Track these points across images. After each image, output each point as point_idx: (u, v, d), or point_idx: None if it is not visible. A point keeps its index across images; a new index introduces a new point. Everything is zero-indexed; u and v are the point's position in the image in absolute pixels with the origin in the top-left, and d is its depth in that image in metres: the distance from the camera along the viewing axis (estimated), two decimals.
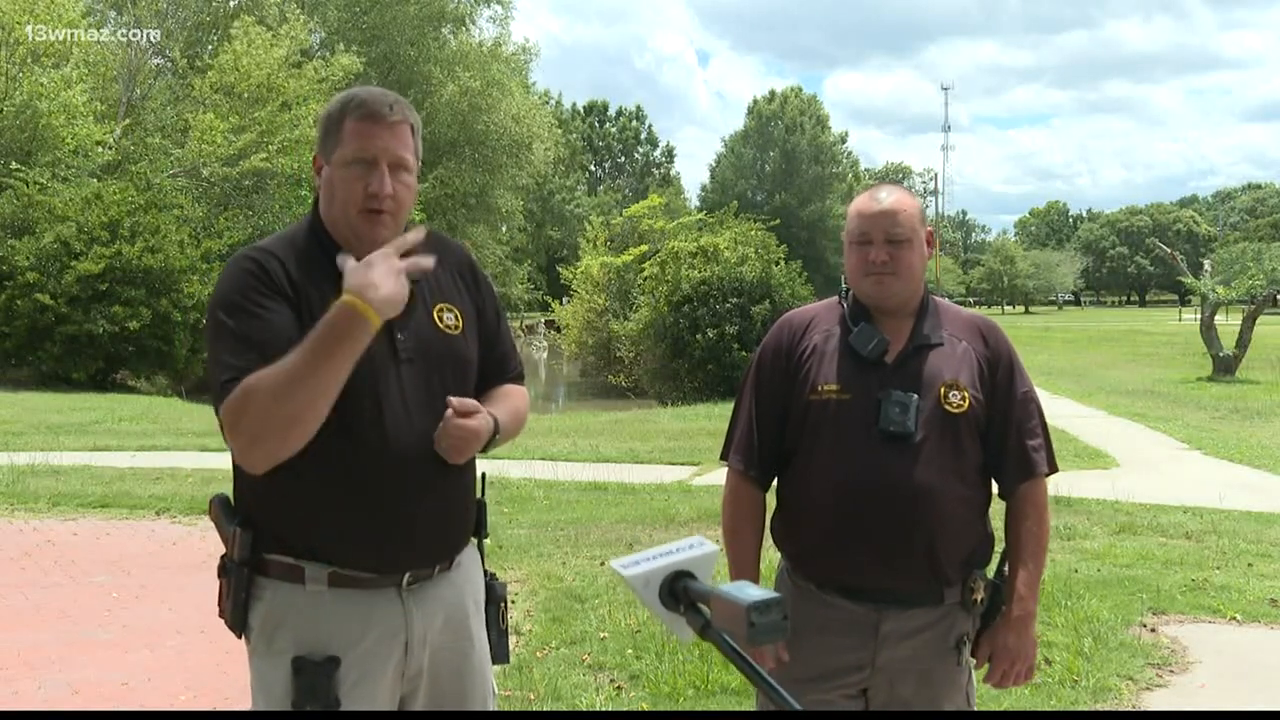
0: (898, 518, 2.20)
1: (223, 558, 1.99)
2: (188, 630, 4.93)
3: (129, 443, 11.20)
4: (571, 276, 28.65)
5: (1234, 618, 5.14)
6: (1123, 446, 11.15)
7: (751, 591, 1.17)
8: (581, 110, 74.31)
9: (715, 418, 13.70)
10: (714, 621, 1.21)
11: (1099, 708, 4.06)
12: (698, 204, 66.82)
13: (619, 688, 4.20)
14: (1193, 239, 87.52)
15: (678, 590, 1.27)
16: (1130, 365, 23.27)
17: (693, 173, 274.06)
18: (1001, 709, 3.81)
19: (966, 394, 2.26)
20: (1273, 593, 5.51)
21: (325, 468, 1.85)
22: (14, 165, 20.40)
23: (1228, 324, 22.25)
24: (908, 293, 2.31)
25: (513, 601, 5.05)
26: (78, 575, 5.92)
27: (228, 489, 2.03)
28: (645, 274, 22.21)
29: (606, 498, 8.30)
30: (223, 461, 2.21)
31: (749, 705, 3.84)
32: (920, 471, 2.20)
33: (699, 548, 1.31)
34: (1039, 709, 4.00)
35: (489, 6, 38.61)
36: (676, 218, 28.72)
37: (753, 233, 21.99)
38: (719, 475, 6.50)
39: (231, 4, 31.99)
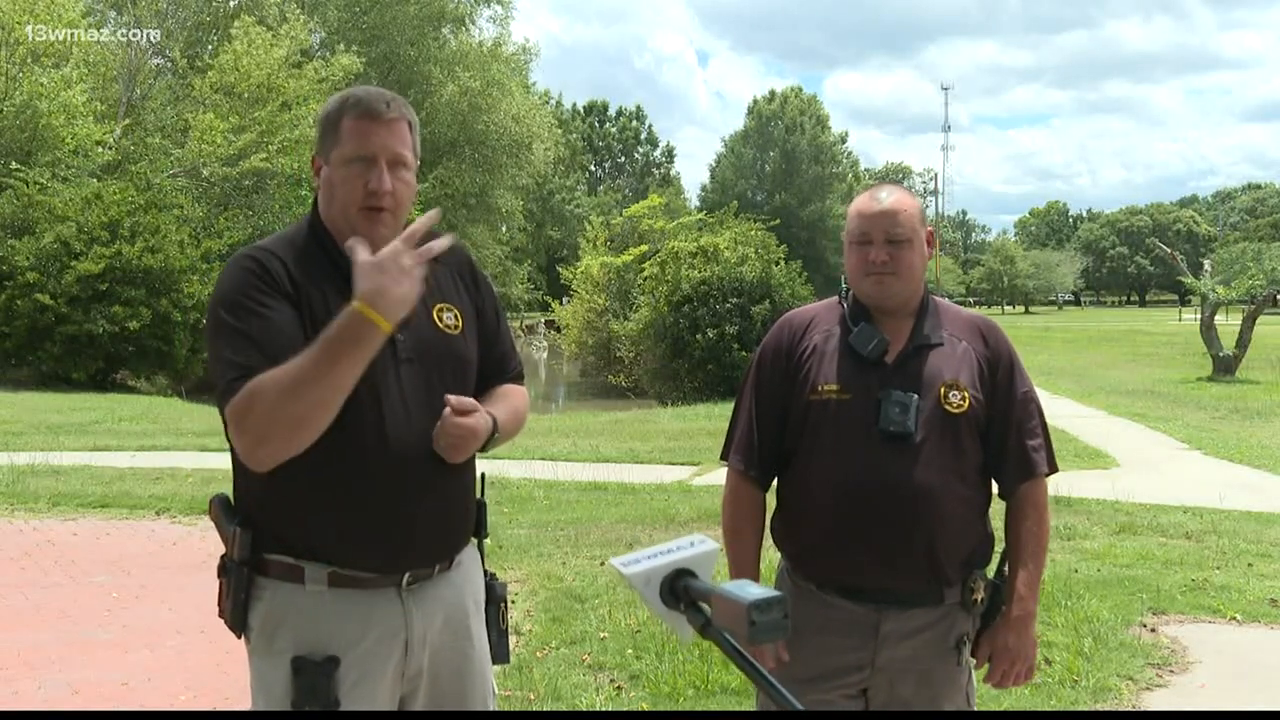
0: (898, 518, 2.20)
1: (223, 557, 1.99)
2: (188, 630, 4.93)
3: (129, 443, 11.20)
4: (571, 276, 28.66)
5: (1234, 618, 5.14)
6: (1123, 446, 11.15)
7: (752, 590, 1.17)
8: (581, 110, 74.32)
9: (715, 418, 13.70)
10: (715, 620, 1.21)
11: (1099, 708, 4.06)
12: (698, 204, 66.83)
13: (619, 688, 4.20)
14: (1193, 239, 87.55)
15: (678, 588, 1.27)
16: (1130, 365, 23.27)
17: (693, 173, 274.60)
18: (1001, 709, 3.81)
19: (966, 394, 2.26)
20: (1273, 593, 5.51)
21: (325, 468, 1.85)
22: (14, 165, 20.40)
23: (1228, 324, 22.25)
24: (908, 293, 2.31)
25: (513, 601, 5.05)
26: (78, 575, 5.92)
27: (228, 489, 2.03)
28: (645, 274, 22.21)
29: (606, 498, 8.30)
30: (223, 461, 2.21)
31: (749, 705, 3.84)
32: (920, 471, 2.20)
33: (700, 546, 1.31)
34: (1039, 709, 4.00)
35: (489, 6, 38.65)
36: (676, 218, 28.73)
37: (753, 233, 22.00)
38: (719, 475, 6.50)
39: (231, 4, 31.99)
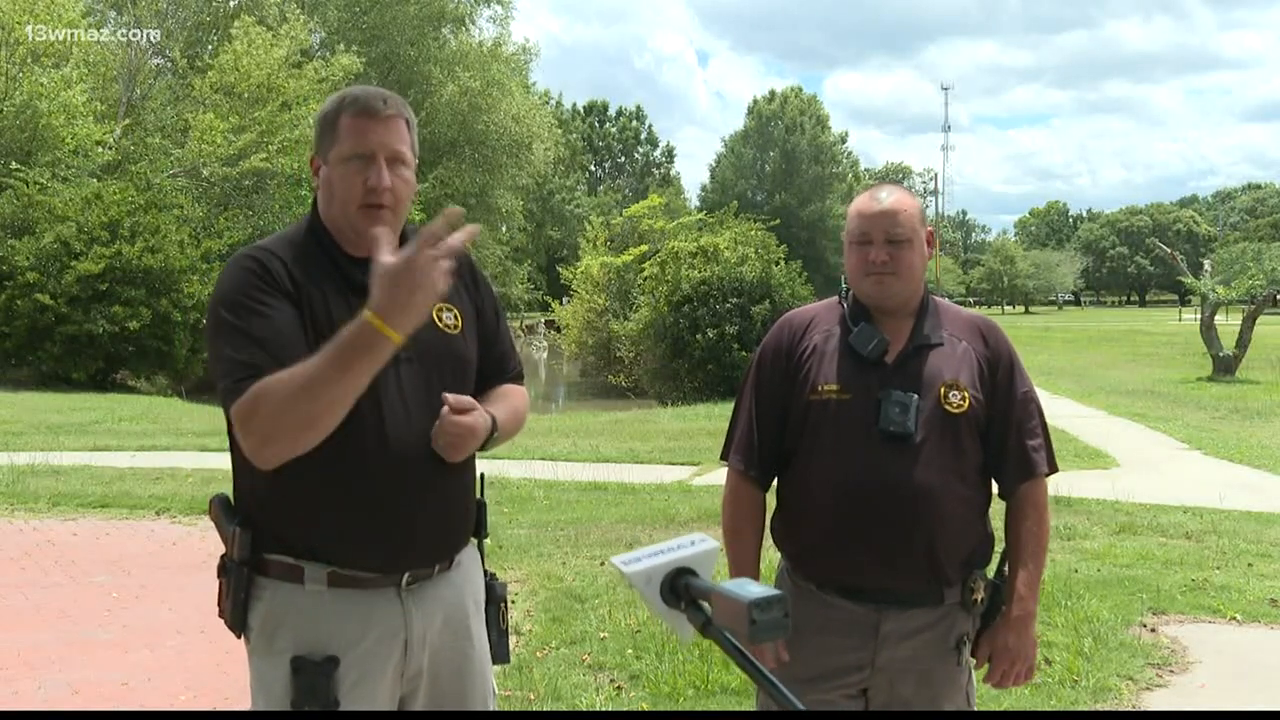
0: (898, 518, 2.20)
1: (222, 557, 1.99)
2: (188, 630, 4.93)
3: (129, 443, 11.20)
4: (571, 276, 28.65)
5: (1234, 618, 5.14)
6: (1123, 446, 11.15)
7: (753, 589, 1.16)
8: (581, 110, 74.31)
9: (715, 418, 13.70)
10: (715, 619, 1.21)
11: (1099, 708, 4.06)
12: (698, 204, 66.83)
13: (619, 688, 4.20)
14: (1193, 239, 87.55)
15: (679, 587, 1.26)
16: (1130, 365, 23.27)
17: (693, 173, 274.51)
18: (1001, 709, 3.80)
19: (966, 394, 2.26)
20: (1273, 593, 5.51)
21: (325, 467, 1.85)
22: (14, 165, 20.40)
23: (1228, 324, 22.25)
24: (908, 293, 2.31)
25: (513, 601, 5.05)
26: (78, 575, 5.92)
27: (228, 489, 2.03)
28: (645, 274, 22.21)
29: (606, 498, 8.30)
30: (223, 461, 2.21)
31: (749, 705, 3.84)
32: (920, 472, 2.20)
33: (700, 544, 1.31)
34: (1039, 709, 4.00)
35: (489, 6, 38.65)
36: (676, 218, 28.72)
37: (753, 233, 21.99)
38: (719, 475, 6.50)
39: (231, 4, 32.00)
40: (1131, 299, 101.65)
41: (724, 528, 2.41)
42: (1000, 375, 2.32)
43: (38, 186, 20.00)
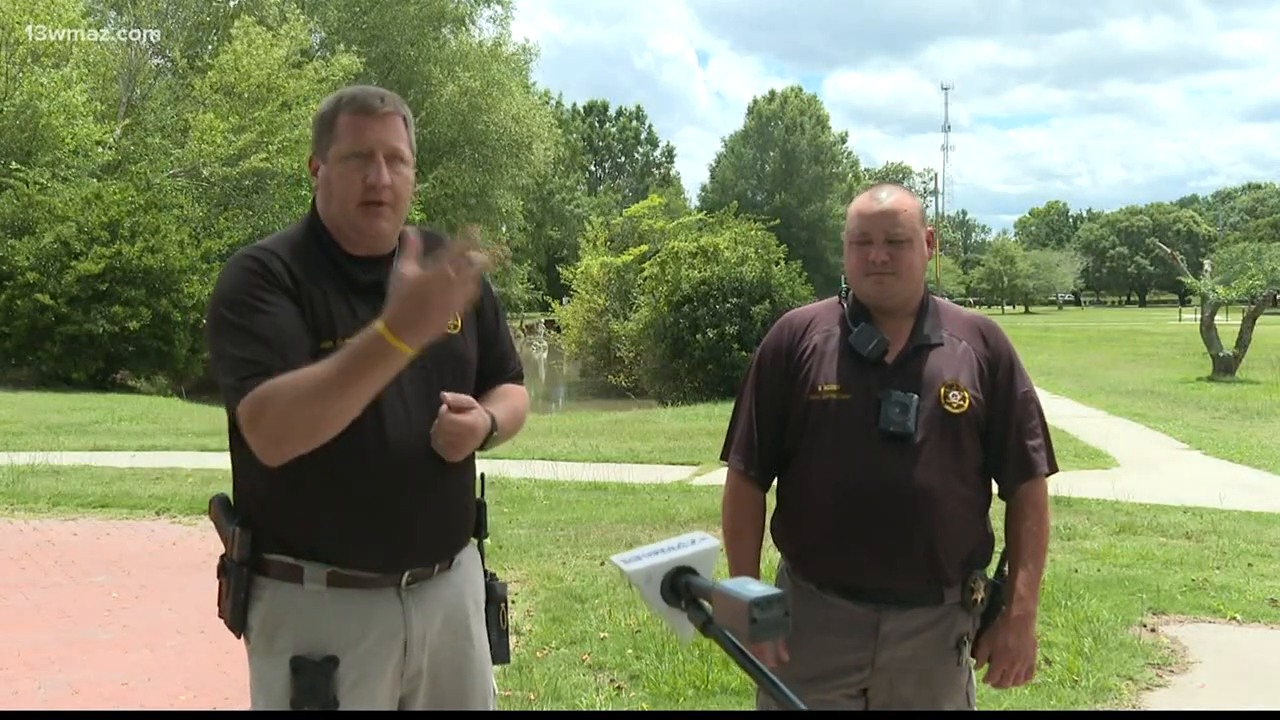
0: (898, 518, 2.20)
1: (222, 557, 1.99)
2: (188, 630, 4.93)
3: (129, 443, 11.20)
4: (571, 276, 28.65)
5: (1234, 618, 5.14)
6: (1123, 446, 11.15)
7: (753, 587, 1.16)
8: (581, 110, 74.30)
9: (715, 418, 13.70)
10: (715, 618, 1.21)
11: (1099, 708, 4.06)
12: (698, 204, 66.82)
13: (619, 688, 4.20)
14: (1193, 239, 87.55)
15: (679, 586, 1.26)
16: (1130, 365, 23.26)
17: (693, 173, 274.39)
18: (1001, 709, 3.80)
19: (966, 394, 2.26)
20: (1273, 593, 5.51)
21: (325, 467, 1.85)
22: (14, 165, 20.41)
23: (1228, 324, 22.25)
24: (908, 293, 2.31)
25: (513, 601, 5.05)
26: (78, 575, 5.92)
27: (228, 489, 2.03)
28: (645, 274, 22.21)
29: (606, 498, 8.30)
30: (223, 461, 2.21)
31: (749, 705, 3.84)
32: (920, 472, 2.20)
33: (701, 543, 1.31)
34: (1039, 709, 3.99)
35: (489, 6, 38.65)
36: (676, 218, 28.72)
37: (753, 233, 21.99)
38: (719, 475, 6.50)
39: (231, 4, 32.00)
40: (1131, 299, 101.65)
41: (724, 528, 2.41)
42: (1000, 375, 2.32)
43: (38, 186, 20.01)
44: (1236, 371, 18.94)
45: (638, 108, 77.15)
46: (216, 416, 8.91)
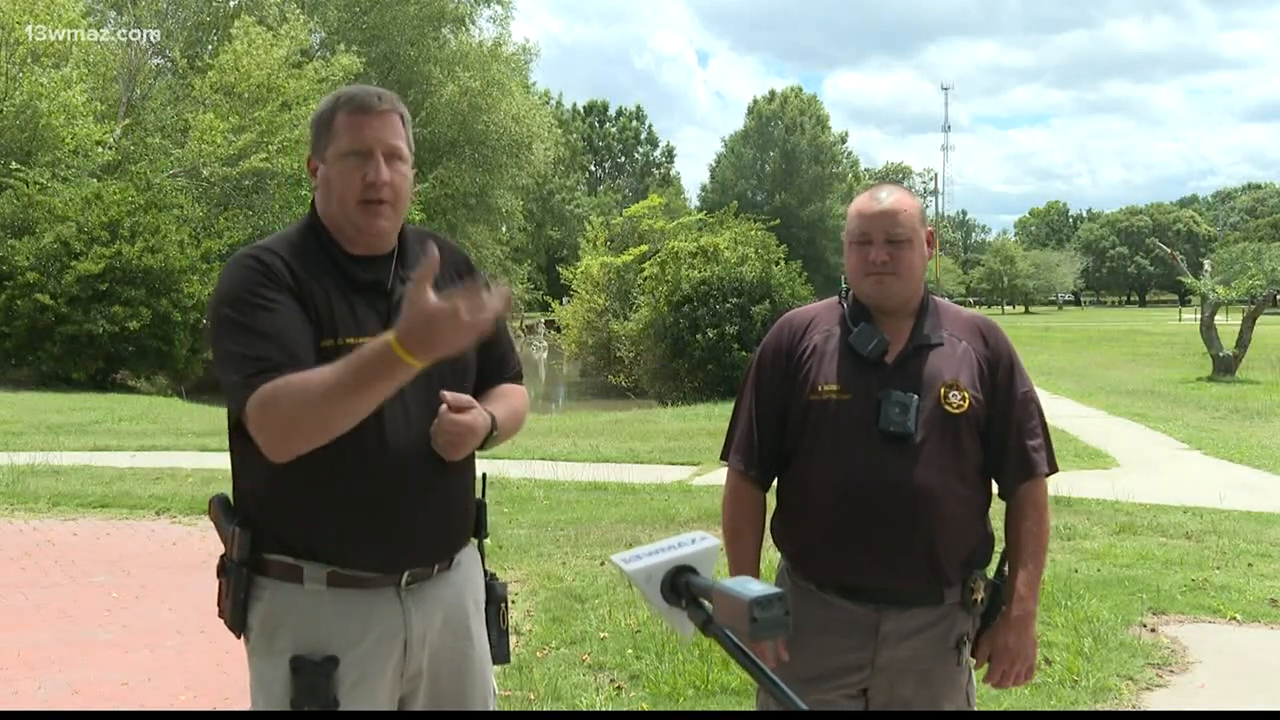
0: (898, 518, 2.20)
1: (222, 557, 1.99)
2: (188, 630, 4.93)
3: (129, 443, 11.20)
4: (571, 276, 28.66)
5: (1234, 618, 5.14)
6: (1123, 446, 11.15)
7: (754, 586, 1.16)
8: (581, 110, 74.30)
9: (715, 418, 13.70)
10: (716, 617, 1.21)
11: (1099, 708, 4.06)
12: (698, 204, 66.82)
13: (619, 688, 4.20)
14: (1193, 239, 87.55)
15: (679, 585, 1.26)
16: (1130, 365, 23.27)
17: (693, 173, 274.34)
18: (1001, 709, 3.80)
19: (966, 394, 2.26)
20: (1273, 593, 5.51)
21: (324, 467, 1.85)
22: (14, 165, 20.41)
23: (1228, 324, 22.25)
24: (908, 293, 2.31)
25: (513, 601, 5.04)
26: (78, 575, 5.92)
27: (228, 489, 2.03)
28: (645, 274, 22.21)
29: (606, 498, 8.30)
30: (223, 461, 2.21)
31: (749, 705, 3.84)
32: (920, 472, 2.20)
33: (701, 542, 1.31)
34: (1039, 709, 3.99)
35: (489, 6, 38.62)
36: (676, 218, 28.73)
37: (753, 233, 22.00)
38: (719, 475, 6.50)
39: (231, 4, 31.99)
40: (1131, 299, 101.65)
41: (724, 528, 2.41)
42: (1000, 375, 2.32)
43: (38, 186, 20.01)
44: (1236, 371, 18.94)
45: (638, 108, 77.25)
46: (216, 416, 8.91)
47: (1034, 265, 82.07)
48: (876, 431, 2.22)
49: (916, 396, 2.23)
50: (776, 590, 1.16)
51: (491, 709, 2.11)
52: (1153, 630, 4.95)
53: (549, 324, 38.60)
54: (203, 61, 28.00)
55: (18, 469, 8.94)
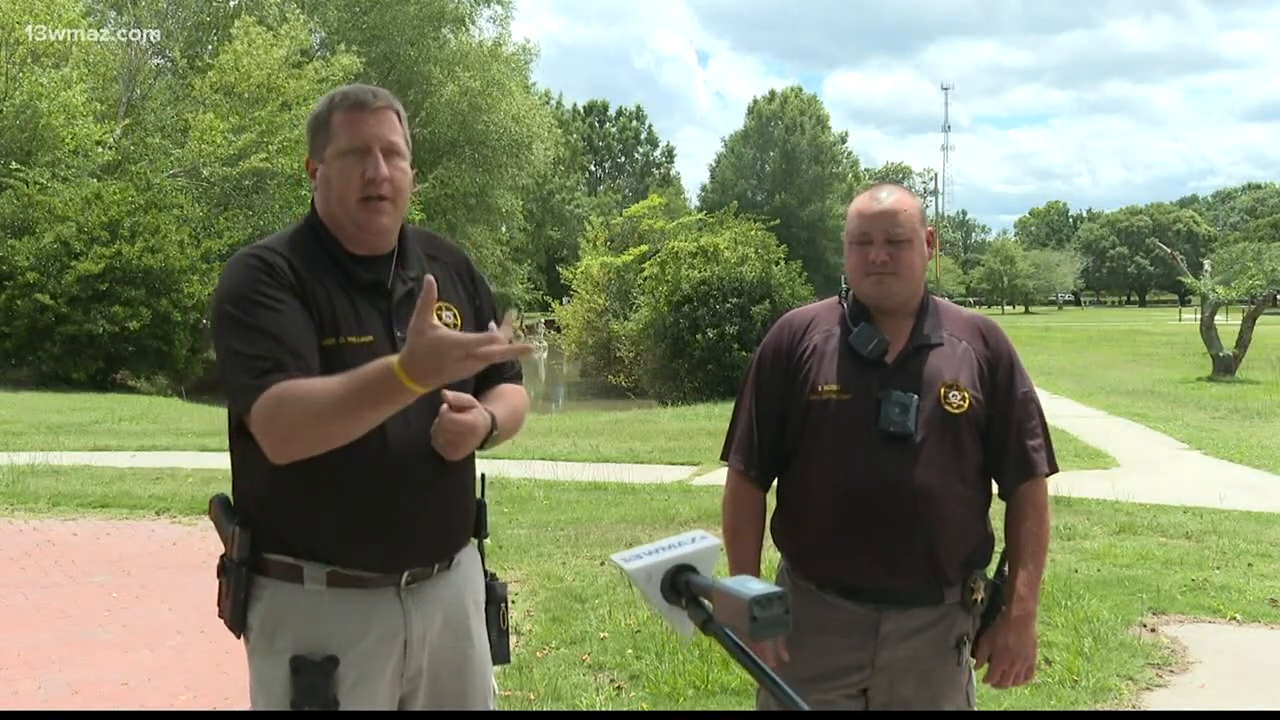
0: (898, 518, 2.20)
1: (222, 557, 1.99)
2: (188, 630, 4.93)
3: (129, 443, 11.20)
4: (571, 276, 28.64)
5: (1234, 618, 5.14)
6: (1123, 446, 11.15)
7: (754, 585, 1.16)
8: (581, 110, 74.28)
9: (715, 418, 13.70)
10: (716, 616, 1.21)
11: (1099, 708, 4.06)
12: (698, 204, 66.80)
13: (619, 688, 4.20)
14: (1193, 239, 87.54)
15: (679, 584, 1.26)
16: (1130, 365, 23.26)
17: (693, 173, 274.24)
18: (1001, 709, 3.80)
19: (966, 394, 2.26)
20: (1273, 593, 5.51)
21: (325, 467, 1.85)
22: (14, 165, 20.41)
23: (1228, 324, 22.25)
24: (908, 293, 2.31)
25: (513, 601, 5.04)
26: (78, 575, 5.92)
27: (228, 489, 2.03)
28: (645, 274, 22.21)
29: (606, 498, 8.30)
30: (223, 461, 2.21)
31: (749, 705, 3.84)
32: (920, 472, 2.20)
33: (701, 541, 1.31)
34: (1039, 709, 3.99)
35: (489, 6, 38.64)
36: (676, 218, 28.71)
37: (753, 233, 22.00)
38: (719, 475, 6.50)
39: (231, 4, 32.00)
40: (1131, 299, 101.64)
41: (724, 528, 2.41)
42: (1000, 375, 2.32)
43: (38, 186, 20.01)
44: (1236, 371, 18.94)
45: (638, 108, 77.20)
46: (216, 416, 8.89)
47: (1034, 265, 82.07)
48: (876, 431, 2.22)
49: (916, 396, 2.23)
50: (776, 589, 1.16)
51: (491, 709, 2.11)
52: (1153, 630, 4.95)
53: (549, 324, 38.59)
54: (203, 61, 28.00)
55: (18, 469, 8.94)
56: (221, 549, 1.99)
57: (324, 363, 1.86)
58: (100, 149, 23.05)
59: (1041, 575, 2.34)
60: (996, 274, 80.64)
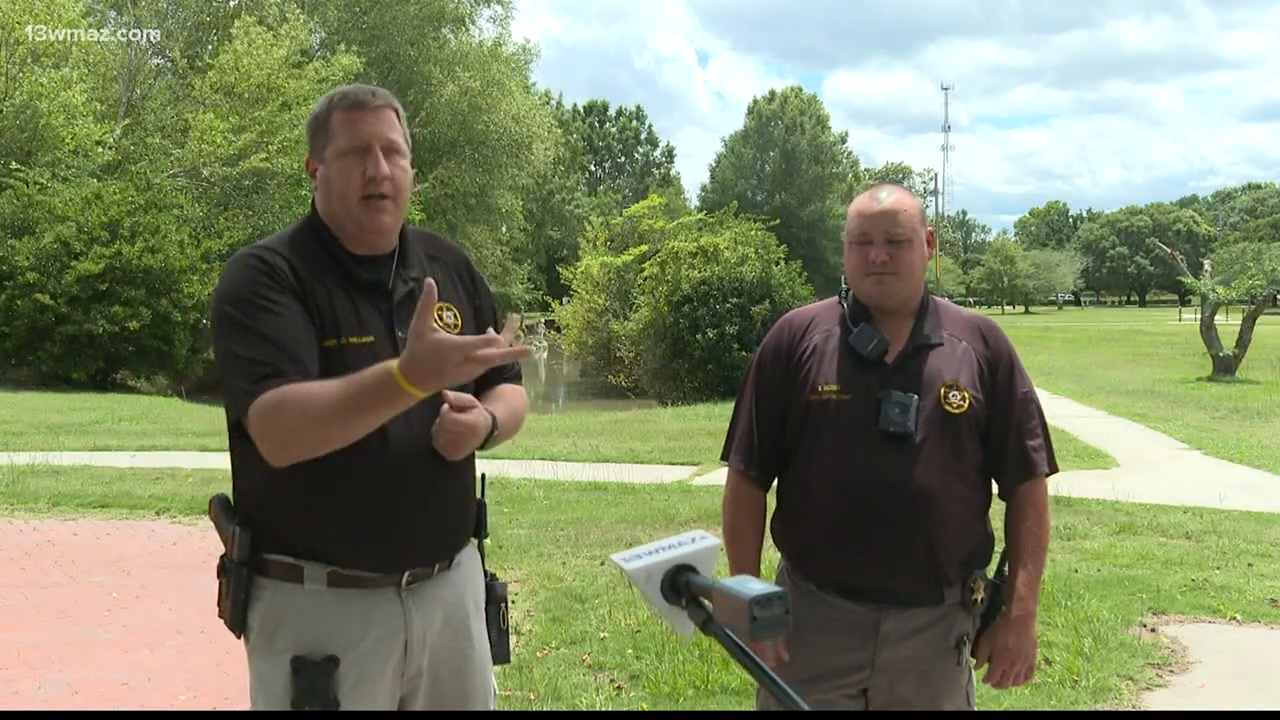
0: (898, 518, 2.20)
1: (222, 558, 1.99)
2: (188, 630, 4.93)
3: (129, 443, 11.20)
4: (571, 276, 28.65)
5: (1234, 618, 5.14)
6: (1123, 446, 11.15)
7: (754, 585, 1.16)
8: (581, 110, 74.24)
9: (715, 418, 13.70)
10: (716, 615, 1.21)
11: (1099, 708, 4.06)
12: (698, 204, 66.78)
13: (619, 688, 4.20)
14: (1193, 239, 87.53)
15: (679, 584, 1.26)
16: (1130, 365, 23.26)
17: (693, 173, 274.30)
18: (1001, 709, 3.80)
19: (966, 394, 2.26)
20: (1273, 593, 5.51)
21: (325, 468, 1.85)
22: (14, 165, 20.41)
23: (1228, 324, 22.25)
24: (908, 293, 2.31)
25: (513, 601, 5.04)
26: (78, 575, 5.92)
27: (228, 489, 2.03)
28: (645, 274, 22.21)
29: (606, 498, 8.30)
30: (223, 461, 2.21)
31: (749, 705, 3.84)
32: (920, 472, 2.20)
33: (701, 541, 1.31)
34: (1039, 709, 3.99)
35: (489, 6, 38.62)
36: (676, 218, 28.72)
37: (753, 233, 22.00)
38: (719, 475, 6.50)
39: (231, 4, 31.99)
40: (1131, 299, 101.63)
41: (724, 528, 2.41)
42: (1000, 375, 2.32)
43: (38, 186, 20.01)
44: (1236, 371, 18.94)
45: (638, 108, 77.15)
46: (216, 416, 8.89)
47: (1034, 265, 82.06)
48: (876, 431, 2.22)
49: (916, 396, 2.23)
50: (777, 589, 1.16)
51: (491, 709, 2.11)
52: (1153, 630, 4.95)
53: (549, 324, 38.60)
54: (203, 61, 27.99)
55: (18, 469, 8.94)
56: (221, 549, 1.99)
57: (325, 363, 1.86)
58: (100, 149, 23.04)
59: (1041, 575, 2.34)
60: (996, 274, 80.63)
